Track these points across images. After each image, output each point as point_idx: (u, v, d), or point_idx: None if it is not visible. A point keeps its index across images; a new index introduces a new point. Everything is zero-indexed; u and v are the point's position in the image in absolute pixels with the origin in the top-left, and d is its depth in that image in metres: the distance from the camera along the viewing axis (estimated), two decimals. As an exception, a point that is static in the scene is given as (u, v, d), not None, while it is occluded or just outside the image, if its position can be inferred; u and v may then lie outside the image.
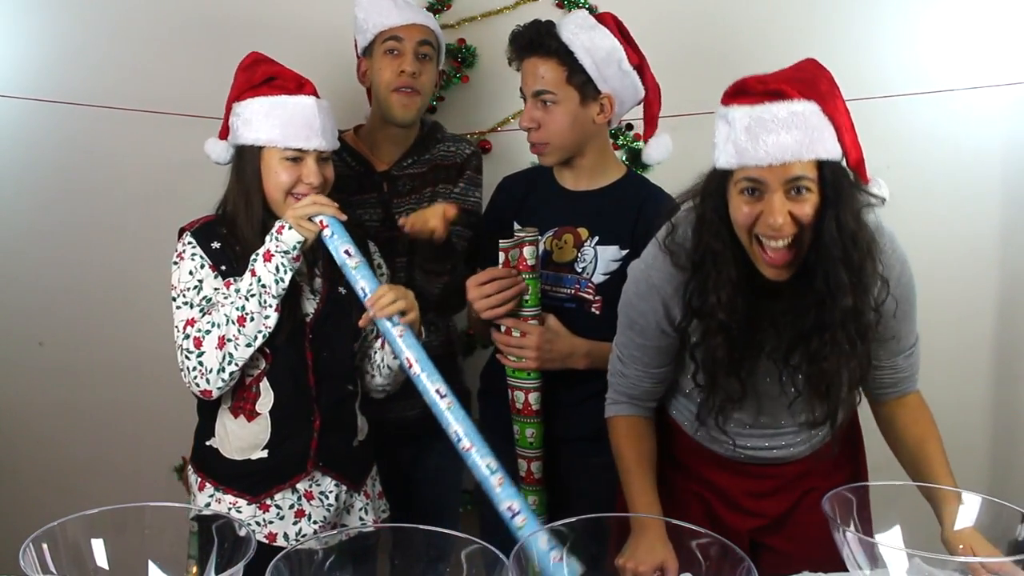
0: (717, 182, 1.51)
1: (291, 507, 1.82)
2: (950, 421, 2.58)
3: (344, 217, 1.77)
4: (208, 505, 1.81)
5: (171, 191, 2.36)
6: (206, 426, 1.86)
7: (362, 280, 1.74)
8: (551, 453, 1.99)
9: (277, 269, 1.73)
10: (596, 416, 1.91)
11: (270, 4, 2.44)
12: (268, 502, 1.81)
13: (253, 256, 1.75)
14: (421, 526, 1.29)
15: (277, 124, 1.79)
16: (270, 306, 1.73)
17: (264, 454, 1.81)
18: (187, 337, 1.74)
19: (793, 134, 1.40)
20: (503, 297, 1.88)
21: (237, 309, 1.72)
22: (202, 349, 1.73)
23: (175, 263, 1.80)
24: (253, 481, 1.81)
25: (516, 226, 1.99)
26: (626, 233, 1.97)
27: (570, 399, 1.97)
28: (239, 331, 1.72)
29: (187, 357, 1.74)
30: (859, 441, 1.81)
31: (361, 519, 1.90)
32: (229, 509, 1.80)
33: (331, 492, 1.85)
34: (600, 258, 1.97)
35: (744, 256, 1.50)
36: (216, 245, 1.81)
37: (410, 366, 1.68)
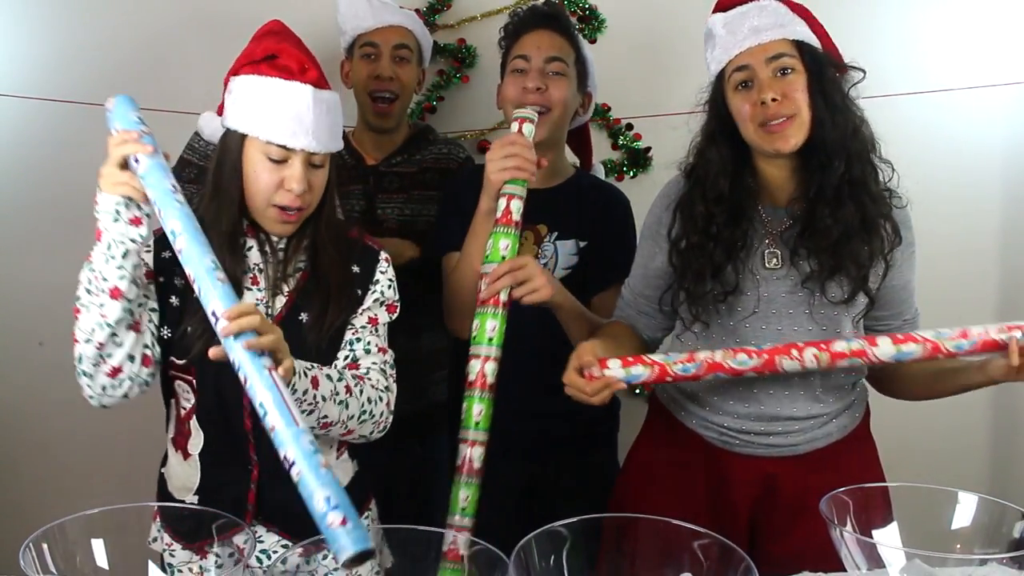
0: (714, 94, 1.65)
1: (231, 555, 1.51)
2: (950, 421, 2.60)
3: (149, 149, 1.40)
4: (155, 540, 1.56)
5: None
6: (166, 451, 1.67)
7: (187, 250, 1.36)
8: (541, 457, 1.98)
9: (108, 246, 1.42)
10: (583, 414, 1.92)
11: (272, 3, 2.44)
12: (206, 549, 1.50)
13: None
14: (420, 527, 1.29)
15: (263, 112, 1.51)
16: (102, 291, 1.44)
17: (195, 499, 1.59)
18: None
19: (764, 19, 1.58)
20: (521, 161, 1.73)
21: (75, 300, 1.47)
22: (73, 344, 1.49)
23: None
24: (188, 526, 1.53)
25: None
26: (585, 225, 1.98)
27: (556, 404, 1.95)
28: (78, 326, 1.46)
29: None
30: (872, 455, 1.78)
31: None
32: (164, 550, 1.55)
33: (276, 552, 1.57)
34: (560, 253, 1.98)
35: (735, 170, 1.62)
36: (167, 255, 1.53)
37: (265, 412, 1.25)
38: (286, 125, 1.50)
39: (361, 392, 1.52)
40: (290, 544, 1.57)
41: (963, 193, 2.56)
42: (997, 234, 2.64)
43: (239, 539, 1.40)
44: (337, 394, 1.47)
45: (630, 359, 1.54)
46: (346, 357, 1.58)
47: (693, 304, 1.65)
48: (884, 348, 1.51)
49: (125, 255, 1.43)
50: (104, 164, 1.42)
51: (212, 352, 1.34)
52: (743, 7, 1.60)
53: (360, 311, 1.61)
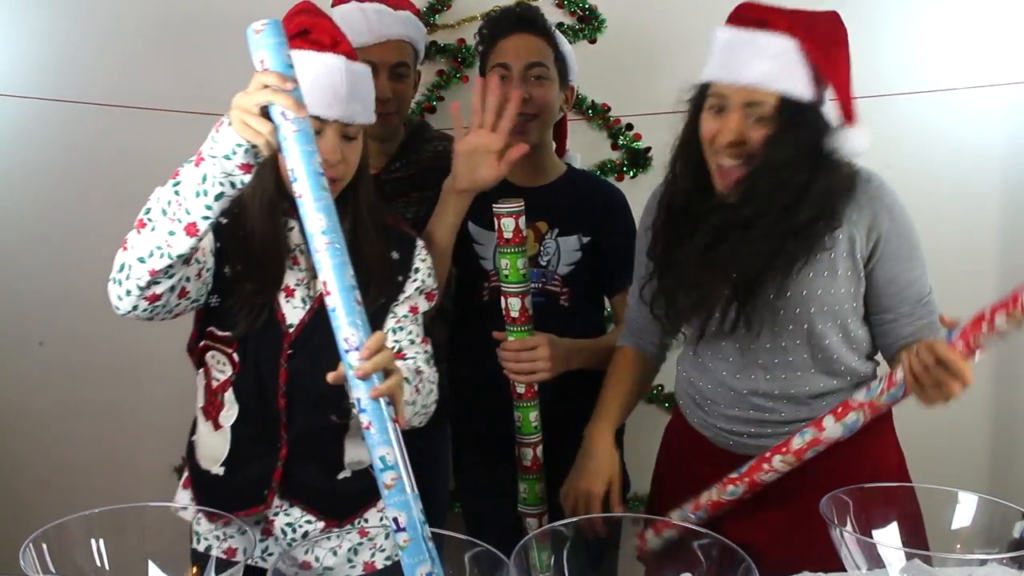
0: (695, 97, 1.61)
1: (257, 523, 1.61)
2: (950, 421, 2.59)
3: (303, 114, 1.27)
4: (186, 508, 1.63)
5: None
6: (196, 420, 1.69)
7: (329, 264, 1.24)
8: (548, 462, 1.98)
9: (204, 179, 1.31)
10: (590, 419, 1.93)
11: (274, 5, 2.44)
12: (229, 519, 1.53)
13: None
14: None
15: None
16: (179, 221, 1.34)
17: (221, 471, 1.61)
18: None
19: (763, 63, 1.49)
20: None
21: (144, 211, 1.39)
22: (121, 248, 1.43)
23: None
24: (212, 497, 1.59)
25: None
26: (585, 221, 2.00)
27: (563, 410, 1.95)
28: (136, 236, 1.38)
29: None
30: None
31: (350, 561, 1.55)
32: (193, 519, 1.61)
33: (301, 527, 1.62)
34: (563, 249, 1.99)
35: (704, 174, 1.59)
36: (223, 219, 1.51)
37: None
38: (320, 96, 1.47)
39: (423, 388, 1.54)
40: (314, 519, 1.62)
41: (963, 192, 2.56)
42: (997, 234, 2.64)
43: (268, 512, 1.56)
44: (409, 395, 1.47)
45: (659, 525, 1.58)
46: (392, 348, 1.58)
47: (672, 320, 1.68)
48: (831, 428, 1.55)
49: (219, 197, 1.33)
50: (243, 96, 1.27)
51: (331, 377, 1.29)
52: (756, 32, 1.51)
53: (402, 299, 1.63)
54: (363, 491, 1.62)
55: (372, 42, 2.07)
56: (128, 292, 1.40)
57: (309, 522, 1.62)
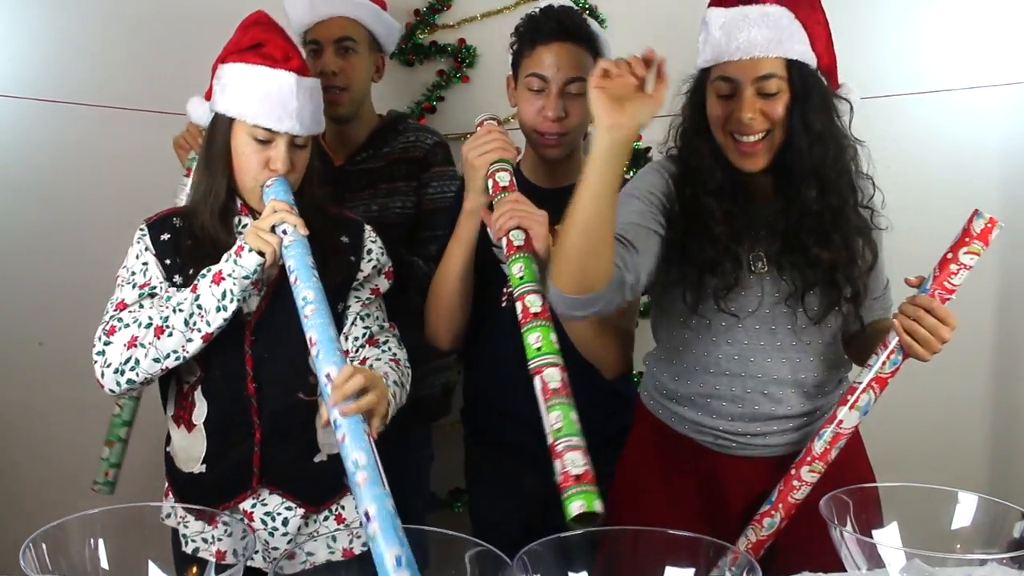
0: (697, 85, 1.61)
1: (240, 520, 1.63)
2: (949, 420, 2.60)
3: (306, 232, 1.57)
4: (169, 516, 1.67)
5: (172, 191, 2.36)
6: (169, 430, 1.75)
7: (312, 330, 1.47)
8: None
9: (224, 295, 1.54)
10: (605, 427, 1.91)
11: (272, 4, 2.44)
12: (216, 518, 1.57)
13: (203, 271, 1.58)
14: (425, 527, 1.29)
15: (250, 97, 1.62)
16: (198, 331, 1.55)
17: (203, 468, 1.67)
18: (108, 320, 1.60)
19: (763, 32, 1.51)
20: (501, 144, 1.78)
21: (160, 317, 1.56)
22: (111, 339, 1.57)
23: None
24: (197, 496, 1.65)
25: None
26: None
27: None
28: (152, 341, 1.55)
29: (97, 340, 1.59)
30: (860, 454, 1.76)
31: (329, 547, 1.66)
32: (179, 524, 1.66)
33: (280, 515, 1.67)
34: None
35: (728, 161, 1.58)
36: (165, 236, 1.65)
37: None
38: (272, 110, 1.61)
39: (405, 377, 1.67)
40: (293, 506, 1.68)
41: (962, 193, 2.56)
42: (996, 233, 2.63)
43: (247, 504, 1.64)
44: (398, 396, 1.62)
45: None
46: (364, 334, 1.71)
47: (695, 300, 1.62)
48: (848, 417, 1.56)
49: (235, 310, 1.56)
50: (258, 222, 1.57)
51: (322, 423, 1.47)
52: (746, 8, 1.52)
53: (361, 278, 1.73)
54: (339, 474, 1.62)
55: (314, 21, 2.09)
56: (130, 381, 1.58)
57: (289, 508, 1.67)
